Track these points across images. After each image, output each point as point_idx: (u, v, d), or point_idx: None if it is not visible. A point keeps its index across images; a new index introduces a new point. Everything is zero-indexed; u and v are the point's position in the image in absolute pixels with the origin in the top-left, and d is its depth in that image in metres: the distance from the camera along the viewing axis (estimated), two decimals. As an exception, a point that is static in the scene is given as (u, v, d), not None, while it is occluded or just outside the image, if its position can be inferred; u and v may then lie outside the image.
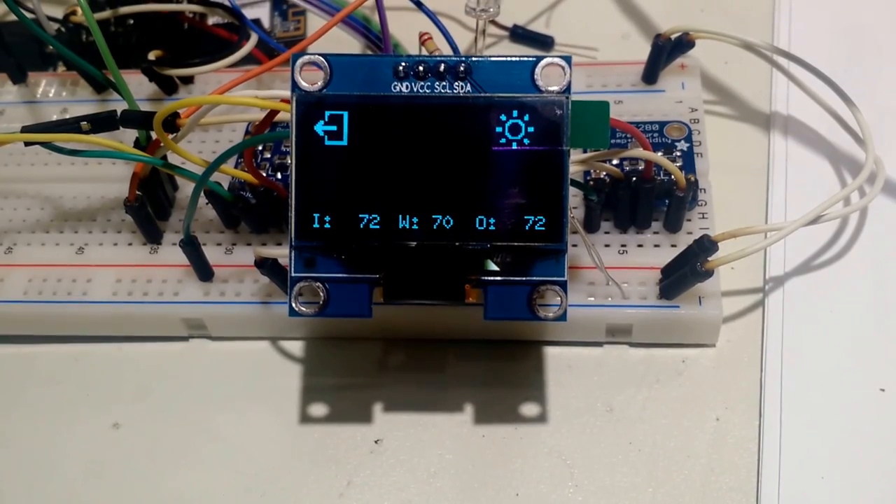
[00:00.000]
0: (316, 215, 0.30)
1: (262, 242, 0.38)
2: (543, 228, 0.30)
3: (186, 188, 0.40)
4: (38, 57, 0.46)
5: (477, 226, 0.30)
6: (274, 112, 0.33)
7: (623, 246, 0.37)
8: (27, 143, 0.35)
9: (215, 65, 0.41)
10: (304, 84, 0.30)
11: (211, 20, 0.45)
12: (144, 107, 0.37)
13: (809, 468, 0.33)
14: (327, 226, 0.30)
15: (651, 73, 0.41)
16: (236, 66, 0.41)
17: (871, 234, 0.38)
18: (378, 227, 0.30)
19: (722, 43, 0.39)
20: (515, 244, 0.30)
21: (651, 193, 0.36)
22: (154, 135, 0.35)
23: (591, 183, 0.36)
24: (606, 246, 0.37)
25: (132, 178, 0.37)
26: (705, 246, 0.33)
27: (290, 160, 0.30)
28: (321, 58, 0.30)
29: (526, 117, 0.30)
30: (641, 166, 0.36)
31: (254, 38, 0.41)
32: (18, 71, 0.44)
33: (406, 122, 0.30)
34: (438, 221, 0.30)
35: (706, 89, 0.43)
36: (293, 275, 0.31)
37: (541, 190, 0.30)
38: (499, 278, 0.30)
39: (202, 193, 0.36)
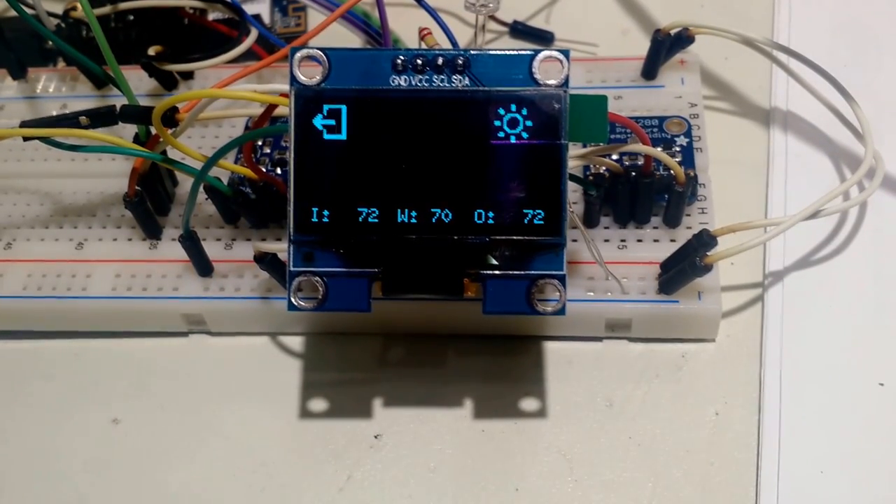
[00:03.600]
0: (314, 209, 0.30)
1: (261, 238, 0.38)
2: (542, 222, 0.30)
3: (186, 183, 0.40)
4: (38, 53, 0.46)
5: (476, 219, 0.30)
6: (273, 106, 0.33)
7: (622, 241, 0.37)
8: (26, 138, 0.35)
9: (215, 60, 0.41)
10: (302, 78, 0.30)
11: (211, 16, 0.45)
12: (144, 102, 0.37)
13: (808, 462, 0.33)
14: (326, 220, 0.30)
15: (651, 69, 0.41)
16: (236, 61, 0.41)
17: (871, 228, 0.38)
18: (377, 220, 0.30)
19: (721, 38, 0.39)
20: (514, 238, 0.30)
21: (650, 188, 0.36)
22: (153, 130, 0.35)
23: (591, 178, 0.36)
24: (606, 241, 0.37)
25: (132, 173, 0.37)
26: (704, 241, 0.33)
27: (289, 154, 0.30)
28: (320, 52, 0.30)
29: (524, 111, 0.30)
30: (641, 161, 0.36)
31: (254, 34, 0.41)
32: (18, 66, 0.44)
33: (405, 116, 0.30)
34: (437, 215, 0.30)
35: (706, 85, 0.43)
36: (292, 269, 0.31)
37: (539, 183, 0.30)
38: (498, 272, 0.30)
39: (202, 189, 0.36)
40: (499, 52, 0.30)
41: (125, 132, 0.38)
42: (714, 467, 0.33)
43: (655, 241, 0.37)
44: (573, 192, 0.37)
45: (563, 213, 0.30)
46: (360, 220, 0.30)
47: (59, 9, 0.44)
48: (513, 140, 0.30)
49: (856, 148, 0.40)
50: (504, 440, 0.35)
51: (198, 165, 0.35)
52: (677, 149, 0.38)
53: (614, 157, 0.37)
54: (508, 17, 0.46)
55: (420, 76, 0.30)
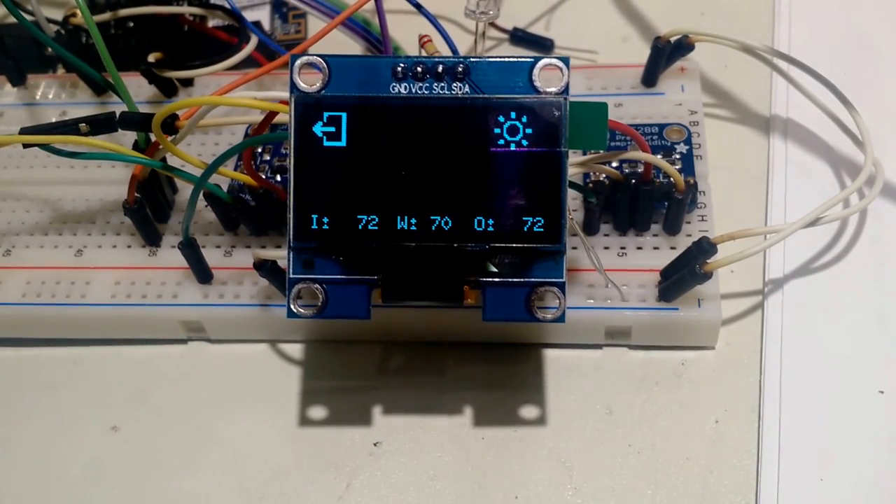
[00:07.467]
0: (314, 216, 0.30)
1: (261, 245, 0.38)
2: (542, 229, 0.30)
3: (185, 190, 0.40)
4: (38, 59, 0.46)
5: (475, 227, 0.30)
6: (273, 113, 0.32)
7: (622, 248, 0.37)
8: (26, 145, 0.35)
9: (215, 67, 0.41)
10: (302, 85, 0.30)
11: (211, 22, 0.45)
12: (144, 109, 0.37)
13: (808, 470, 0.33)
14: (325, 227, 0.30)
15: (651, 76, 0.41)
16: (236, 68, 0.41)
17: (870, 236, 0.38)
18: (376, 228, 0.30)
19: (722, 46, 0.39)
20: (514, 245, 0.30)
21: (650, 196, 0.36)
22: (153, 137, 0.35)
23: (591, 185, 0.36)
24: (606, 248, 0.37)
25: (131, 180, 0.37)
26: (704, 248, 0.33)
27: (289, 161, 0.30)
28: (320, 59, 0.30)
29: (524, 118, 0.30)
30: (641, 168, 0.36)
31: (254, 41, 0.41)
32: (18, 73, 0.44)
33: (404, 123, 0.30)
34: (437, 222, 0.30)
35: (706, 92, 0.43)
36: (291, 276, 0.31)
37: (539, 191, 0.30)
38: (497, 280, 0.30)
39: (201, 196, 0.36)
40: (499, 60, 0.30)
41: (125, 139, 0.38)
42: (714, 475, 0.33)
43: (655, 248, 0.37)
44: (573, 200, 0.37)
45: (563, 220, 0.30)
46: (360, 227, 0.30)
47: (58, 15, 0.44)
48: (513, 148, 0.30)
49: (855, 155, 0.40)
50: (504, 448, 0.35)
51: (197, 172, 0.34)
52: (677, 156, 0.38)
53: (614, 164, 0.37)
54: (508, 23, 0.46)
55: (420, 84, 0.30)
